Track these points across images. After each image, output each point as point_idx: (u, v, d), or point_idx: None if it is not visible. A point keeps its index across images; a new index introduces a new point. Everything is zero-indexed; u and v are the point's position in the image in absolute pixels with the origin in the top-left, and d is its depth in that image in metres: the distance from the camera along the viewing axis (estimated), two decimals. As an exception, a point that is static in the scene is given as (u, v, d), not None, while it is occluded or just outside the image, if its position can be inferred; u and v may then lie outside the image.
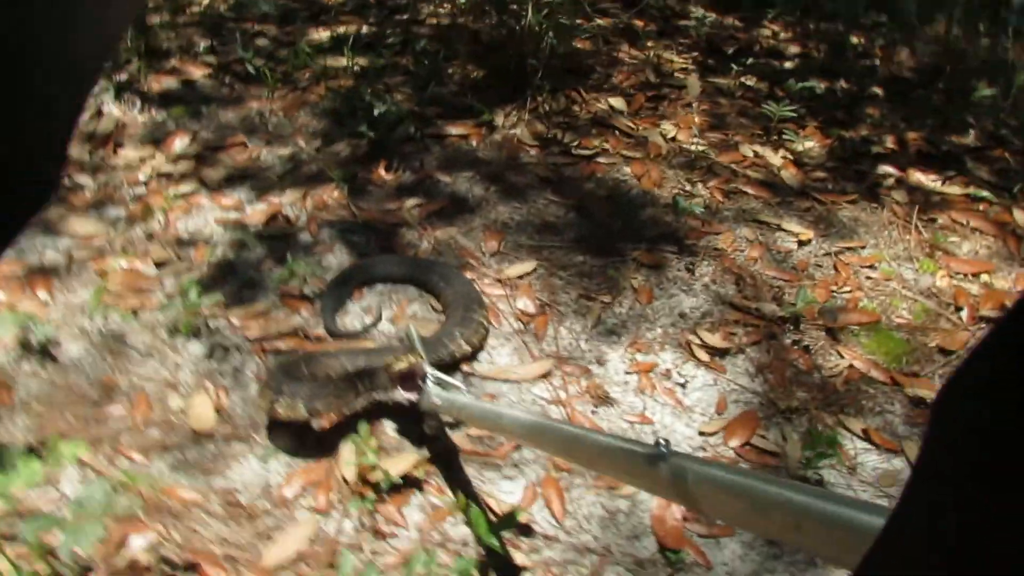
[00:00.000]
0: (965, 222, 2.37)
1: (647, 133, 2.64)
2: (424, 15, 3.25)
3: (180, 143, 2.38)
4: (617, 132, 2.63)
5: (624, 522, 1.53)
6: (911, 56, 3.59)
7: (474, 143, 2.50)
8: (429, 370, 1.58)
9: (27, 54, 0.38)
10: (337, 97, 2.57)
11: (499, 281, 2.00)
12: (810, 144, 2.71)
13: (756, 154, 2.61)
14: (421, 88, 2.69)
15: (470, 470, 1.61)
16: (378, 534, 1.48)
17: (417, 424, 1.66)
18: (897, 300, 2.06)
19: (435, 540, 1.47)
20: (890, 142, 2.77)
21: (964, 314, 2.02)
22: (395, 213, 2.20)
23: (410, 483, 1.55)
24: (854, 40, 3.64)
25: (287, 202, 2.19)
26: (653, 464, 0.79)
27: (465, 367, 1.79)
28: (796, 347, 1.90)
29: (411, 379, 1.55)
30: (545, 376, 1.78)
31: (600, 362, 1.83)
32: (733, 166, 2.53)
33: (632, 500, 1.56)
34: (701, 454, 1.66)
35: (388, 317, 1.92)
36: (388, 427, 1.66)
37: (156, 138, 2.42)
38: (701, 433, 1.70)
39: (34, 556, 1.29)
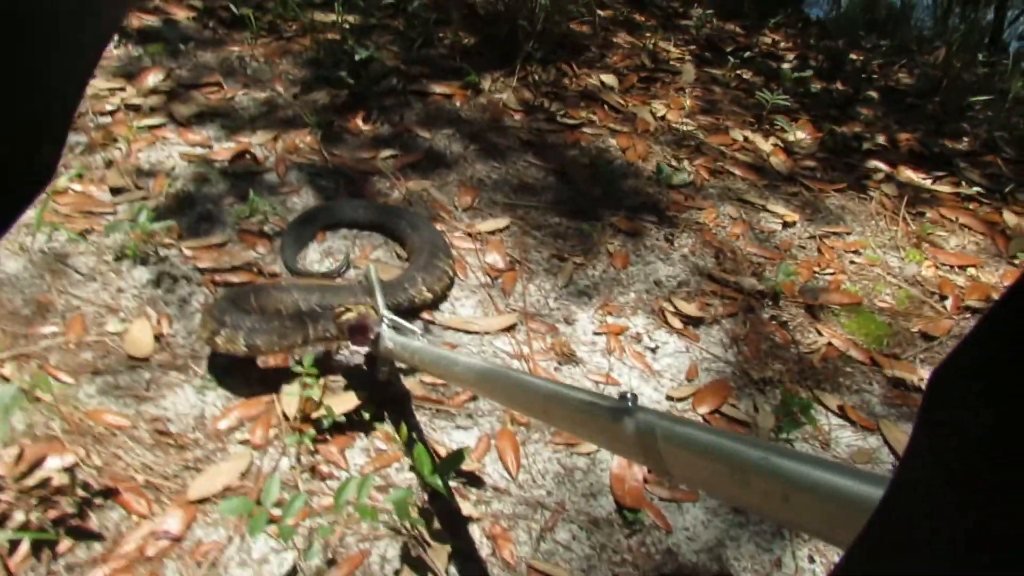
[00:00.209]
0: (954, 218, 2.31)
1: (636, 110, 2.58)
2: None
3: (153, 78, 2.28)
4: (606, 106, 2.56)
5: (581, 479, 1.43)
6: (909, 75, 3.56)
7: (458, 103, 2.42)
8: (385, 313, 1.49)
9: (35, 38, 0.37)
10: (321, 48, 2.48)
11: (469, 235, 1.91)
12: (801, 135, 2.65)
13: (746, 139, 2.55)
14: (409, 48, 2.62)
15: (422, 417, 1.51)
16: (316, 473, 1.37)
17: (368, 367, 1.56)
18: (881, 285, 1.99)
19: (376, 484, 1.37)
20: (882, 140, 2.72)
21: (949, 303, 1.95)
22: (368, 162, 2.11)
23: (356, 426, 1.45)
24: (853, 56, 3.61)
25: (257, 142, 2.10)
26: (617, 418, 0.69)
27: (426, 315, 1.70)
28: (774, 322, 1.82)
29: (362, 332, 1.41)
30: (509, 330, 1.69)
31: (568, 321, 1.74)
32: (722, 148, 2.47)
33: (591, 458, 1.47)
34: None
35: (350, 263, 1.82)
36: (337, 364, 1.57)
37: (129, 72, 2.32)
38: (669, 398, 1.61)
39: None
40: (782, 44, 3.74)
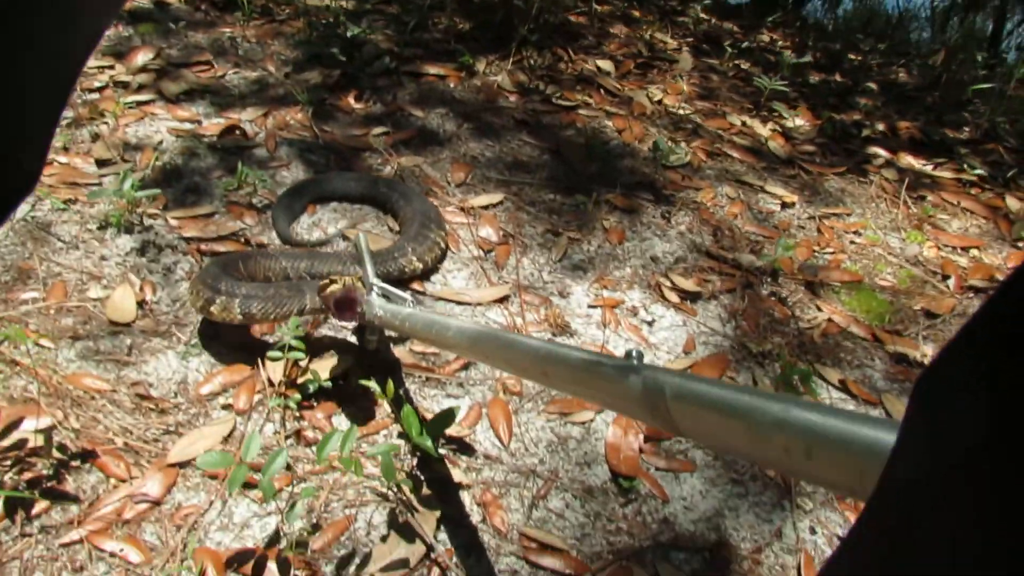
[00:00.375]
0: (956, 202, 2.28)
1: (633, 94, 2.55)
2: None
3: (143, 57, 2.25)
4: (602, 90, 2.53)
5: (575, 448, 1.39)
6: (908, 74, 3.55)
7: (452, 84, 2.39)
8: (375, 281, 1.45)
9: (18, 46, 0.37)
10: (314, 29, 2.46)
11: (462, 210, 1.88)
12: (800, 122, 2.62)
13: (744, 124, 2.52)
14: (403, 31, 2.59)
15: (411, 386, 1.47)
16: (301, 438, 1.33)
17: (357, 336, 1.52)
18: (881, 265, 1.95)
19: (362, 451, 1.32)
20: (881, 128, 2.70)
21: (951, 282, 1.91)
22: (360, 138, 2.07)
23: (344, 394, 1.41)
24: (851, 56, 3.60)
25: (247, 118, 2.07)
26: (623, 376, 0.65)
27: (416, 286, 1.66)
28: (773, 298, 1.78)
29: (349, 306, 1.31)
30: (501, 301, 1.65)
31: (563, 294, 1.71)
32: (719, 131, 2.44)
33: (586, 428, 1.42)
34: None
35: (341, 232, 1.79)
36: (326, 330, 1.52)
37: (119, 51, 2.29)
38: (666, 370, 1.57)
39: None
40: (780, 43, 3.73)
